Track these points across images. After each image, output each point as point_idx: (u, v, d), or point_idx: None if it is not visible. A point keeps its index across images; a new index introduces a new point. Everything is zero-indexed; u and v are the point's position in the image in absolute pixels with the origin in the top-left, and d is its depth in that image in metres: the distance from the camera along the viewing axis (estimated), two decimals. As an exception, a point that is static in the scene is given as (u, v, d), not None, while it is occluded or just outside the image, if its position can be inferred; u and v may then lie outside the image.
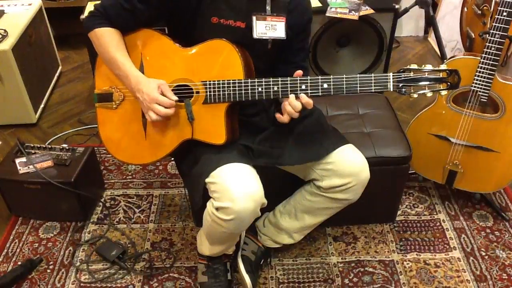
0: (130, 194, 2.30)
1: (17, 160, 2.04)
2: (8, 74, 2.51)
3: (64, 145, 2.19)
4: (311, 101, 1.45)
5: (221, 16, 1.51)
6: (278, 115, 1.52)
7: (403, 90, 1.40)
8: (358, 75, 1.42)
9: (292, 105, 1.46)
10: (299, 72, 1.47)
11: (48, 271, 1.94)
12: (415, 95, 1.40)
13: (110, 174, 2.41)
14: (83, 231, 2.11)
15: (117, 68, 1.55)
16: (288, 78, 1.46)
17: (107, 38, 1.54)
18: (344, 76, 1.42)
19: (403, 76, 1.40)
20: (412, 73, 1.39)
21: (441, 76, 1.39)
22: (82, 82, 3.16)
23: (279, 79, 1.46)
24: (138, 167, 2.44)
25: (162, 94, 1.49)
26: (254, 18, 1.53)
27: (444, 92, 1.41)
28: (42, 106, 2.85)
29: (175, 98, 1.50)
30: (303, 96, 1.45)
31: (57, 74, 3.15)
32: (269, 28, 1.54)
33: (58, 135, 2.67)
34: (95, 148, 2.28)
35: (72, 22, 3.12)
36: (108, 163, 2.47)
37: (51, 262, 1.98)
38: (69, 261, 1.98)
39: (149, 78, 1.53)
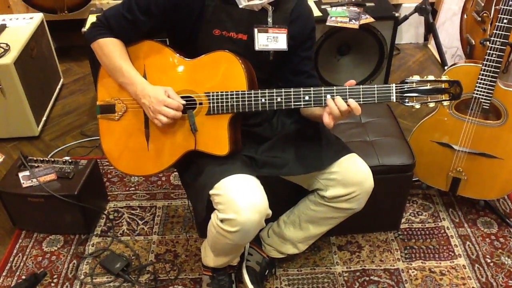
0: (134, 206, 2.29)
1: (20, 174, 2.04)
2: (10, 87, 2.52)
3: (67, 158, 2.19)
4: (359, 107, 1.41)
5: (223, 28, 1.52)
6: (324, 115, 1.43)
7: (406, 100, 1.41)
8: (361, 86, 1.42)
9: (338, 104, 1.40)
10: (352, 81, 1.43)
11: (52, 284, 1.94)
12: (418, 106, 1.40)
13: (113, 186, 2.40)
14: (87, 244, 2.10)
15: (121, 76, 1.56)
16: (292, 90, 1.46)
17: (110, 47, 1.55)
18: (348, 87, 1.41)
19: (405, 87, 1.40)
20: (414, 84, 1.40)
21: (443, 86, 1.39)
22: (84, 94, 3.17)
23: (283, 90, 1.46)
24: (141, 179, 2.44)
25: (169, 97, 1.49)
26: (255, 30, 1.53)
27: (446, 103, 1.41)
28: (44, 118, 2.85)
29: (183, 101, 1.50)
30: (351, 101, 1.40)
31: (59, 86, 3.15)
32: (271, 40, 1.55)
33: (61, 148, 2.67)
34: (98, 160, 2.28)
35: (73, 34, 3.15)
36: (111, 175, 2.47)
37: (55, 276, 1.97)
38: (73, 275, 1.98)
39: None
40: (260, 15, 1.54)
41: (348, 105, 1.40)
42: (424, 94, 1.39)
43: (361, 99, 1.41)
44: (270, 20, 1.55)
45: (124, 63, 1.55)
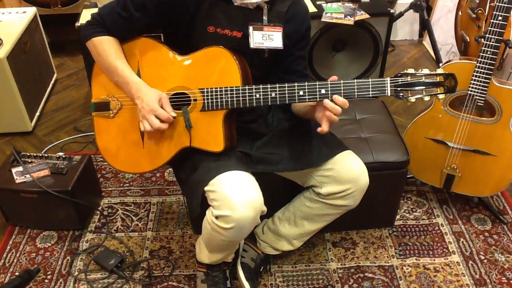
0: (128, 202, 2.29)
1: (14, 170, 2.03)
2: (3, 82, 2.50)
3: (61, 154, 2.18)
4: (346, 100, 1.40)
5: (217, 25, 1.51)
6: (320, 129, 1.44)
7: (401, 94, 1.40)
8: (355, 80, 1.41)
9: (330, 108, 1.40)
10: (334, 77, 1.43)
11: (46, 281, 1.93)
12: (413, 100, 1.40)
13: (107, 182, 2.39)
14: (81, 240, 2.10)
15: (116, 75, 1.55)
16: (286, 85, 1.45)
17: (105, 46, 1.54)
18: (342, 81, 1.41)
19: (400, 80, 1.40)
20: (409, 77, 1.39)
21: (438, 80, 1.39)
22: (77, 89, 3.15)
23: (277, 85, 1.46)
24: (135, 175, 2.43)
25: (162, 107, 1.48)
26: (251, 28, 1.52)
27: (441, 96, 1.41)
28: (37, 114, 2.83)
29: (174, 114, 1.50)
30: (337, 98, 1.40)
31: (52, 81, 3.13)
32: (266, 38, 1.54)
33: (54, 143, 2.66)
34: (92, 156, 2.27)
35: (67, 29, 3.12)
36: (105, 170, 2.46)
37: (49, 272, 1.96)
38: (67, 271, 1.97)
39: (150, 87, 1.52)
40: (255, 13, 1.53)
41: (334, 102, 1.40)
42: (419, 87, 1.39)
43: (356, 93, 1.41)
44: (265, 18, 1.54)
45: (119, 62, 1.54)
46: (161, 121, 1.48)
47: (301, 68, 1.66)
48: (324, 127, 1.43)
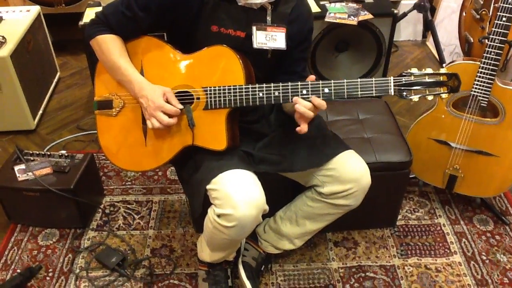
0: (130, 201, 2.29)
1: (16, 168, 2.03)
2: (6, 80, 2.50)
3: (63, 152, 2.18)
4: (323, 102, 1.42)
5: (221, 25, 1.51)
6: (298, 129, 1.46)
7: (404, 94, 1.40)
8: (359, 80, 1.41)
9: (303, 105, 1.41)
10: (312, 77, 1.45)
11: (48, 278, 1.93)
12: (416, 99, 1.40)
13: (109, 181, 2.40)
14: (83, 238, 2.10)
15: (120, 74, 1.55)
16: (289, 84, 1.45)
17: (109, 44, 1.54)
18: (345, 80, 1.41)
19: (403, 80, 1.40)
20: (412, 77, 1.39)
21: (441, 79, 1.39)
22: (80, 88, 3.15)
23: (280, 84, 1.46)
24: (138, 173, 2.43)
25: (167, 101, 1.49)
26: (254, 28, 1.52)
27: (444, 96, 1.41)
28: (40, 112, 2.84)
29: (181, 106, 1.50)
30: (314, 99, 1.42)
31: (55, 80, 3.14)
32: (269, 38, 1.54)
33: (57, 142, 2.66)
34: (94, 154, 2.27)
35: (70, 28, 3.13)
36: (107, 169, 2.46)
37: (51, 270, 1.97)
38: (68, 269, 1.97)
39: (153, 84, 1.52)
40: (259, 14, 1.53)
41: (312, 102, 1.42)
42: (422, 87, 1.39)
43: (359, 93, 1.41)
44: (269, 18, 1.54)
45: (122, 60, 1.55)
46: (169, 116, 1.48)
47: (300, 70, 1.67)
48: (302, 127, 1.45)
